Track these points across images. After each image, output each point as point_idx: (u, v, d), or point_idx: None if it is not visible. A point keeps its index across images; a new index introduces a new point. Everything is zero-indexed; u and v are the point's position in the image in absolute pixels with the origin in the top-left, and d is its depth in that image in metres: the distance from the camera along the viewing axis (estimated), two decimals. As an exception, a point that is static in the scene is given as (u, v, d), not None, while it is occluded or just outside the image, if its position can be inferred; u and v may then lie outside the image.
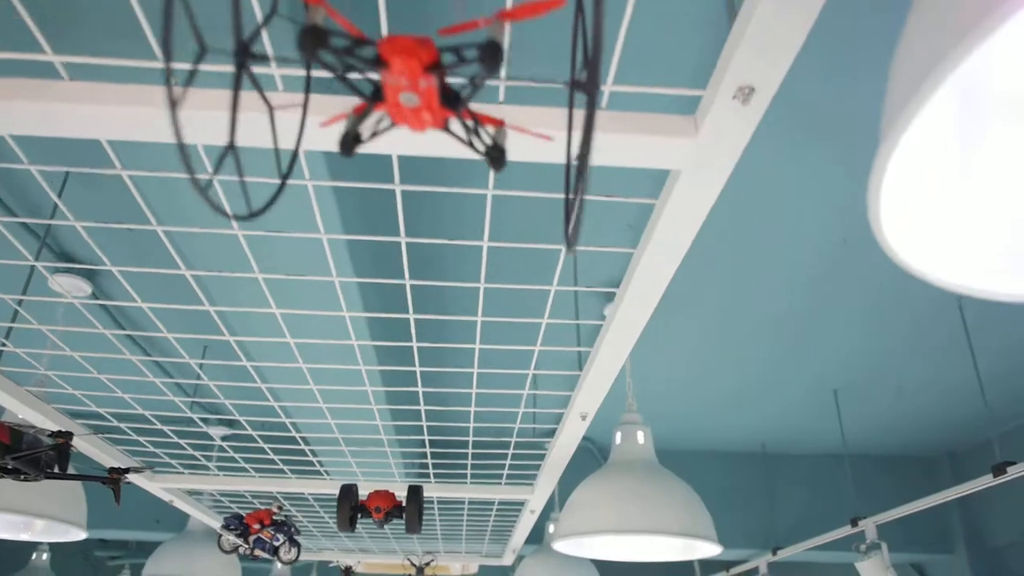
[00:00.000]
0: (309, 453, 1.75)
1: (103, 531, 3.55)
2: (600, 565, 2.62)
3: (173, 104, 0.29)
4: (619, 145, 0.61)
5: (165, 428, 1.53)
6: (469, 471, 1.83)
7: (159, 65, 0.61)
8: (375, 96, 0.33)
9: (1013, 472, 1.72)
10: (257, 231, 0.86)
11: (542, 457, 1.69)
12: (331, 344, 1.15)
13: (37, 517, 1.61)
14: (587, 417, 1.29)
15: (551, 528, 2.79)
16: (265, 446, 1.65)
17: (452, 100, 0.33)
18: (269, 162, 0.47)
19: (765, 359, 2.45)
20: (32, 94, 0.60)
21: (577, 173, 0.30)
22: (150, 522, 3.26)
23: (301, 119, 0.40)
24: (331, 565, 3.13)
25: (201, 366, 1.21)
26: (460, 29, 0.32)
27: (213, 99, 0.56)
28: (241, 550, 1.94)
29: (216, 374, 1.34)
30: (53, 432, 1.02)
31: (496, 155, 0.36)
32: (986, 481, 1.79)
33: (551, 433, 1.49)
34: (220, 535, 1.95)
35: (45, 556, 4.10)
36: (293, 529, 1.92)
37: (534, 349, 1.11)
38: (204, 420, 1.53)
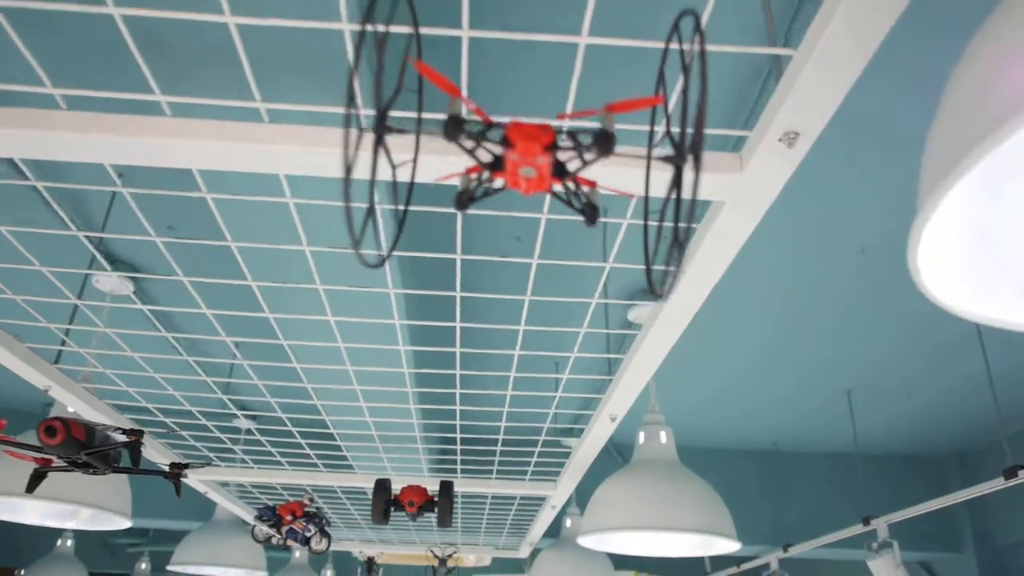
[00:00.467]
0: (343, 448, 1.82)
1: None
2: (613, 556, 2.69)
3: (350, 154, 0.35)
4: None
5: (208, 423, 1.61)
6: (496, 467, 1.90)
7: (253, 104, 0.67)
8: (495, 165, 0.40)
9: None
10: (321, 247, 0.92)
11: (566, 455, 1.75)
12: (377, 348, 1.22)
13: (85, 506, 1.69)
14: (616, 419, 1.35)
15: (568, 522, 2.86)
16: (302, 441, 1.72)
17: (561, 171, 0.39)
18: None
19: (783, 363, 2.51)
20: (142, 130, 0.66)
21: (676, 244, 0.36)
22: (175, 511, 3.34)
23: (411, 174, 0.47)
24: (354, 555, 3.21)
25: (249, 366, 1.28)
26: (575, 116, 0.38)
27: (328, 137, 0.63)
28: (274, 540, 2.01)
29: (264, 374, 1.41)
30: (125, 430, 1.09)
31: (591, 212, 0.42)
32: (998, 484, 1.84)
33: (578, 432, 1.55)
34: (254, 526, 2.02)
35: (69, 543, 4.20)
36: (324, 521, 2.00)
37: (570, 356, 1.18)
38: (247, 416, 1.60)
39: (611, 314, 2.02)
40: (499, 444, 1.71)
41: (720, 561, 3.84)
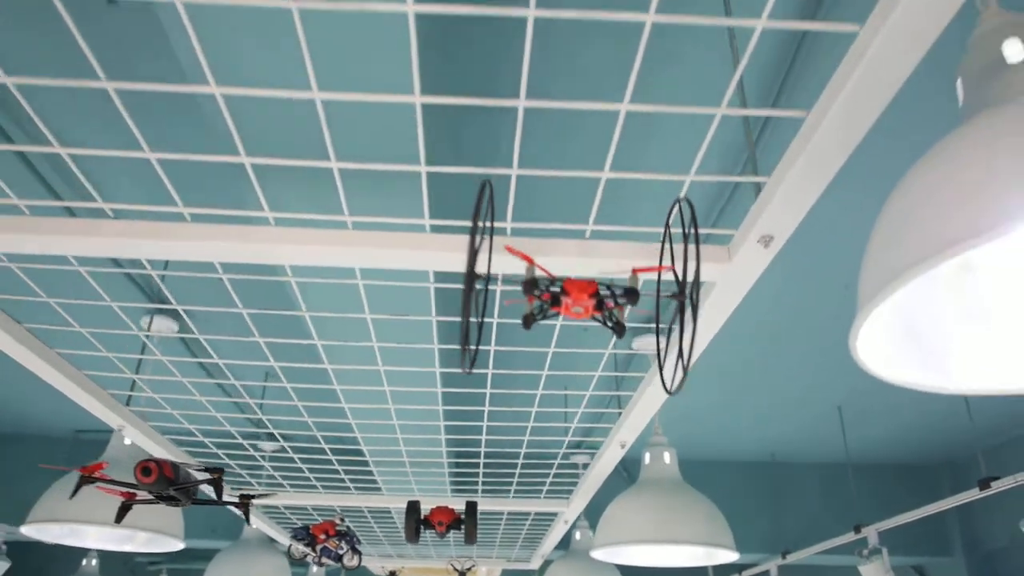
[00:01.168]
0: (373, 471, 1.99)
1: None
2: (621, 567, 2.85)
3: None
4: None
5: (246, 442, 1.77)
6: (514, 486, 2.07)
7: (342, 217, 0.85)
8: (554, 302, 0.57)
9: (997, 486, 1.95)
10: (375, 280, 1.09)
11: (578, 474, 1.92)
12: (413, 371, 1.39)
13: (142, 530, 1.85)
14: (625, 446, 1.52)
15: (577, 535, 3.03)
16: (336, 463, 1.89)
17: (600, 306, 0.57)
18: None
19: (777, 382, 2.68)
20: (248, 237, 0.83)
21: (681, 355, 0.53)
22: (205, 531, 3.50)
23: (484, 296, 0.64)
24: (375, 572, 3.37)
25: (292, 389, 1.45)
26: (613, 273, 0.56)
27: (396, 240, 0.80)
28: (309, 558, 2.17)
29: (304, 396, 1.58)
30: (207, 468, 1.26)
31: (619, 328, 0.60)
32: (973, 494, 2.01)
33: (587, 445, 1.72)
34: (290, 544, 2.18)
35: (95, 562, 4.36)
36: (355, 539, 2.16)
37: (585, 394, 1.35)
38: (285, 440, 1.77)
39: (618, 343, 2.19)
40: (519, 464, 1.88)
41: (722, 569, 4.00)
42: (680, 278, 0.55)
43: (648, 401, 1.29)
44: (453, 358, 1.67)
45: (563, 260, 0.74)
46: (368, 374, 1.36)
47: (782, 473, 3.57)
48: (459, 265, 0.81)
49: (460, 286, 0.50)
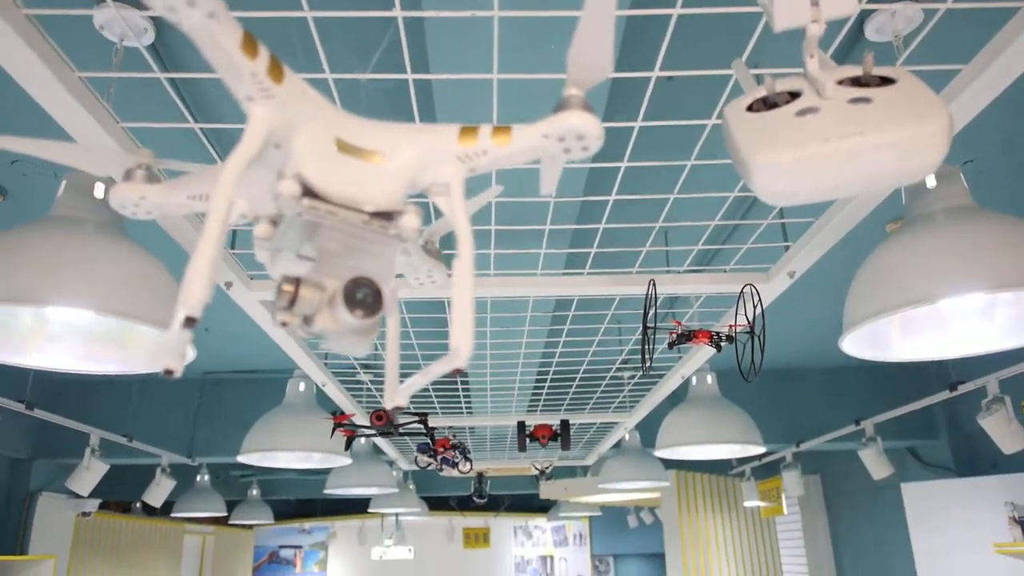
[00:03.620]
0: (472, 398, 2.61)
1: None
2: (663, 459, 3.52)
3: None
4: (728, 285, 1.40)
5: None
6: (592, 403, 2.69)
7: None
8: (689, 338, 1.13)
9: (962, 389, 2.55)
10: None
11: (641, 394, 2.53)
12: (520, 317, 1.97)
13: (317, 451, 2.49)
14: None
15: (627, 437, 3.69)
16: (460, 391, 2.49)
17: (712, 341, 1.13)
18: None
19: (793, 313, 3.25)
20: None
21: (753, 364, 1.10)
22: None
23: (653, 335, 1.21)
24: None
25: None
26: (712, 329, 1.13)
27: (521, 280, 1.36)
28: (431, 466, 2.83)
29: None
30: (414, 412, 1.86)
31: (719, 348, 1.16)
32: (944, 395, 2.62)
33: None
34: (417, 455, 2.83)
35: (206, 477, 5.14)
36: (466, 449, 2.81)
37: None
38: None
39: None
40: (603, 385, 2.48)
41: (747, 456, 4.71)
42: (751, 325, 1.11)
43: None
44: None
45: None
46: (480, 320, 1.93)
47: (796, 378, 4.20)
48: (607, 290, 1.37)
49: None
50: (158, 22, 1.36)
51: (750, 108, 0.59)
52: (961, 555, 3.35)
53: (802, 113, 0.54)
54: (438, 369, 0.45)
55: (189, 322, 0.37)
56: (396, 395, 0.50)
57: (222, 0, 0.36)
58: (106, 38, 1.33)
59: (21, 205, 2.11)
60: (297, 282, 0.41)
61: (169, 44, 1.43)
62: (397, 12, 0.79)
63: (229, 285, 1.33)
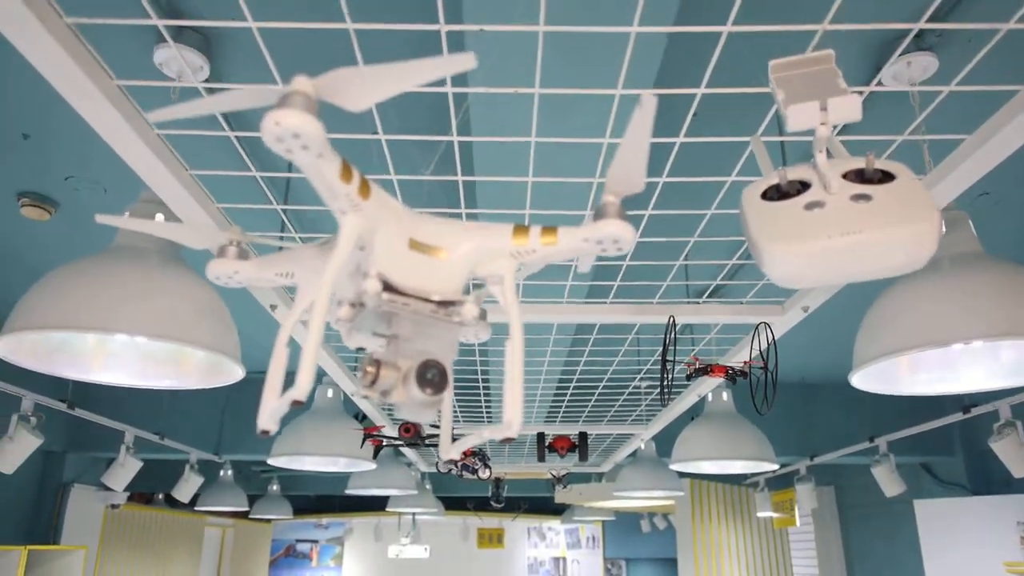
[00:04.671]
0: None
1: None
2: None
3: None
4: (745, 316, 1.47)
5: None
6: (610, 415, 2.76)
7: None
8: (705, 372, 1.21)
9: (975, 411, 2.59)
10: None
11: (660, 408, 2.60)
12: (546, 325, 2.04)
13: (342, 457, 2.58)
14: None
15: (643, 446, 3.75)
16: (483, 400, 2.58)
17: (727, 374, 1.20)
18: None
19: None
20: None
21: (765, 397, 1.17)
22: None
23: (673, 364, 1.28)
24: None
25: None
26: (726, 365, 1.20)
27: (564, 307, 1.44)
28: (452, 471, 2.91)
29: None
30: (432, 424, 1.94)
31: (733, 376, 1.24)
32: (957, 417, 2.66)
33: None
34: (437, 460, 2.92)
35: (229, 472, 5.27)
36: (487, 456, 2.89)
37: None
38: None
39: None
40: (620, 400, 2.56)
41: (759, 468, 4.76)
42: (764, 362, 1.18)
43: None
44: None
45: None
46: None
47: (811, 392, 4.24)
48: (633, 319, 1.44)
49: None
50: (213, 61, 1.45)
51: (764, 195, 0.66)
52: (972, 573, 3.38)
53: (810, 207, 0.62)
54: (490, 434, 0.53)
55: (296, 404, 0.45)
56: (451, 450, 0.59)
57: (328, 142, 0.44)
58: (164, 74, 1.43)
59: (71, 217, 2.22)
60: (378, 364, 0.49)
61: (224, 80, 1.52)
62: (453, 138, 0.87)
63: (274, 308, 1.42)
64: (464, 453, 2.89)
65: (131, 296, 1.12)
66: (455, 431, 2.91)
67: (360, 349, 0.61)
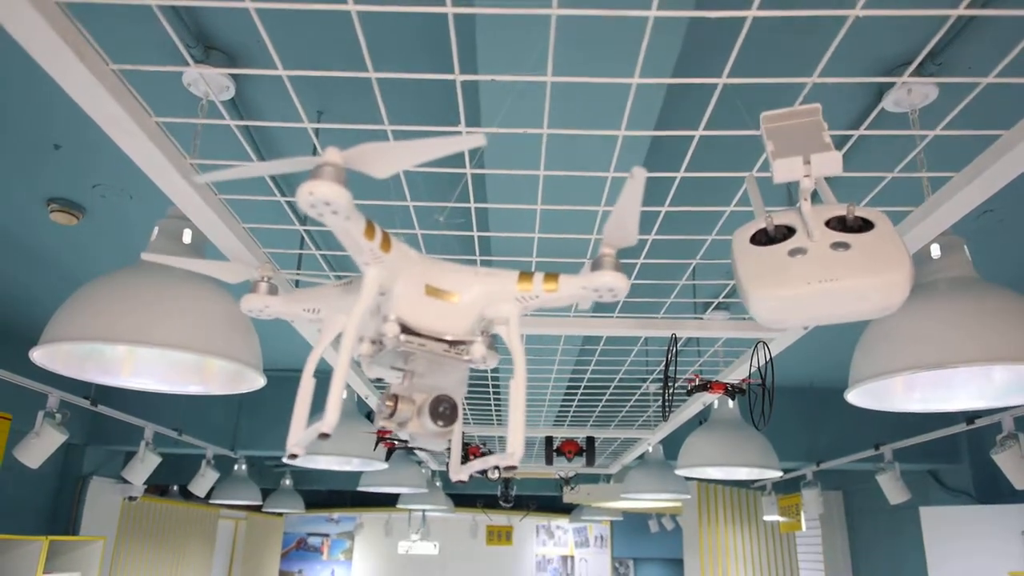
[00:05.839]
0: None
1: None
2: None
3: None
4: (747, 331, 1.52)
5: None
6: (618, 419, 2.81)
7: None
8: (706, 387, 1.26)
9: (979, 423, 2.62)
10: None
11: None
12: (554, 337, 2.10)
13: (356, 457, 2.65)
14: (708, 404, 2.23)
15: (650, 450, 3.80)
16: (492, 402, 2.63)
17: (726, 391, 1.26)
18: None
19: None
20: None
21: (762, 414, 1.22)
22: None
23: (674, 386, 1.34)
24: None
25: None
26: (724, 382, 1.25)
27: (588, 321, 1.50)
28: (462, 472, 2.98)
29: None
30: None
31: (732, 393, 1.29)
32: (961, 427, 2.69)
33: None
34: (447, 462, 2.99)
35: (243, 467, 5.36)
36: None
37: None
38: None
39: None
40: (629, 405, 2.61)
41: (766, 472, 4.79)
42: (763, 379, 1.23)
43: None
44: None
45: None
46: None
47: (819, 398, 4.27)
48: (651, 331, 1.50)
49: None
50: (239, 81, 1.52)
51: (753, 238, 0.72)
52: (976, 581, 3.41)
53: (793, 253, 0.67)
54: (495, 461, 0.59)
55: (323, 436, 0.51)
56: (460, 472, 0.65)
57: (354, 207, 0.50)
58: (192, 94, 1.50)
59: (98, 222, 2.30)
60: (396, 399, 0.55)
61: (247, 100, 1.59)
62: (471, 204, 0.92)
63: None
64: (474, 454, 2.96)
65: (160, 310, 1.18)
66: (465, 433, 2.97)
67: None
